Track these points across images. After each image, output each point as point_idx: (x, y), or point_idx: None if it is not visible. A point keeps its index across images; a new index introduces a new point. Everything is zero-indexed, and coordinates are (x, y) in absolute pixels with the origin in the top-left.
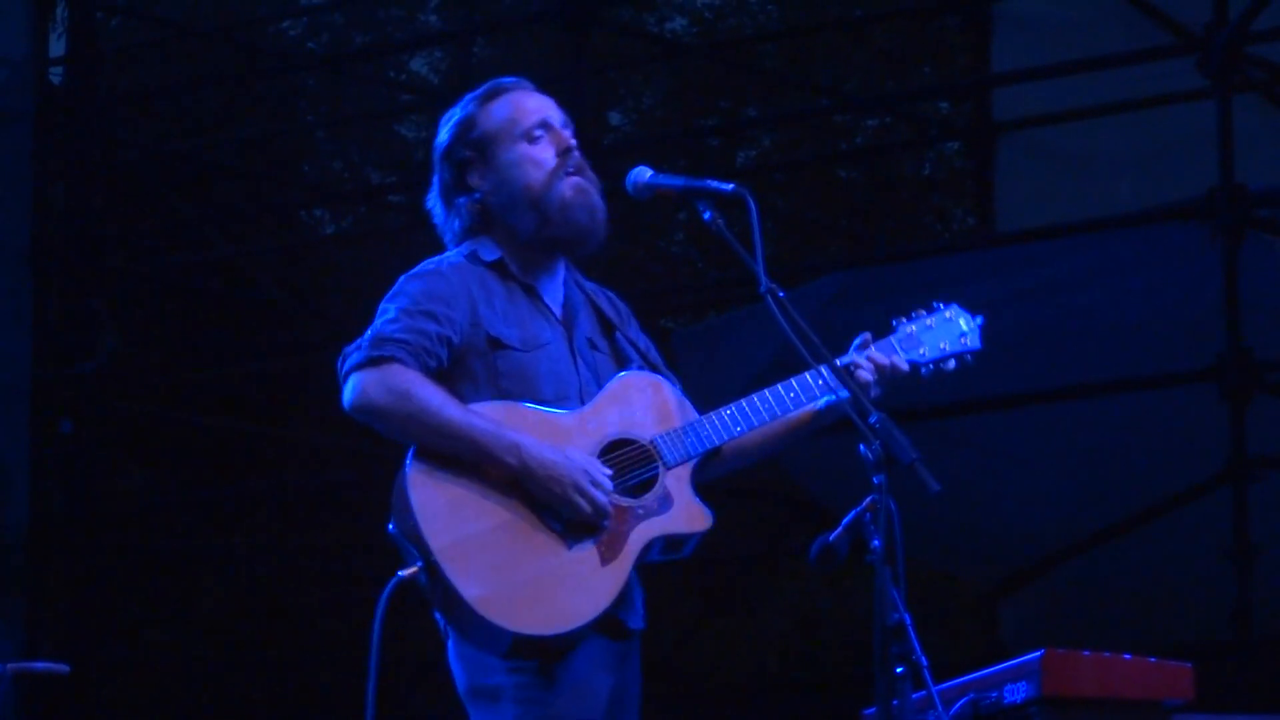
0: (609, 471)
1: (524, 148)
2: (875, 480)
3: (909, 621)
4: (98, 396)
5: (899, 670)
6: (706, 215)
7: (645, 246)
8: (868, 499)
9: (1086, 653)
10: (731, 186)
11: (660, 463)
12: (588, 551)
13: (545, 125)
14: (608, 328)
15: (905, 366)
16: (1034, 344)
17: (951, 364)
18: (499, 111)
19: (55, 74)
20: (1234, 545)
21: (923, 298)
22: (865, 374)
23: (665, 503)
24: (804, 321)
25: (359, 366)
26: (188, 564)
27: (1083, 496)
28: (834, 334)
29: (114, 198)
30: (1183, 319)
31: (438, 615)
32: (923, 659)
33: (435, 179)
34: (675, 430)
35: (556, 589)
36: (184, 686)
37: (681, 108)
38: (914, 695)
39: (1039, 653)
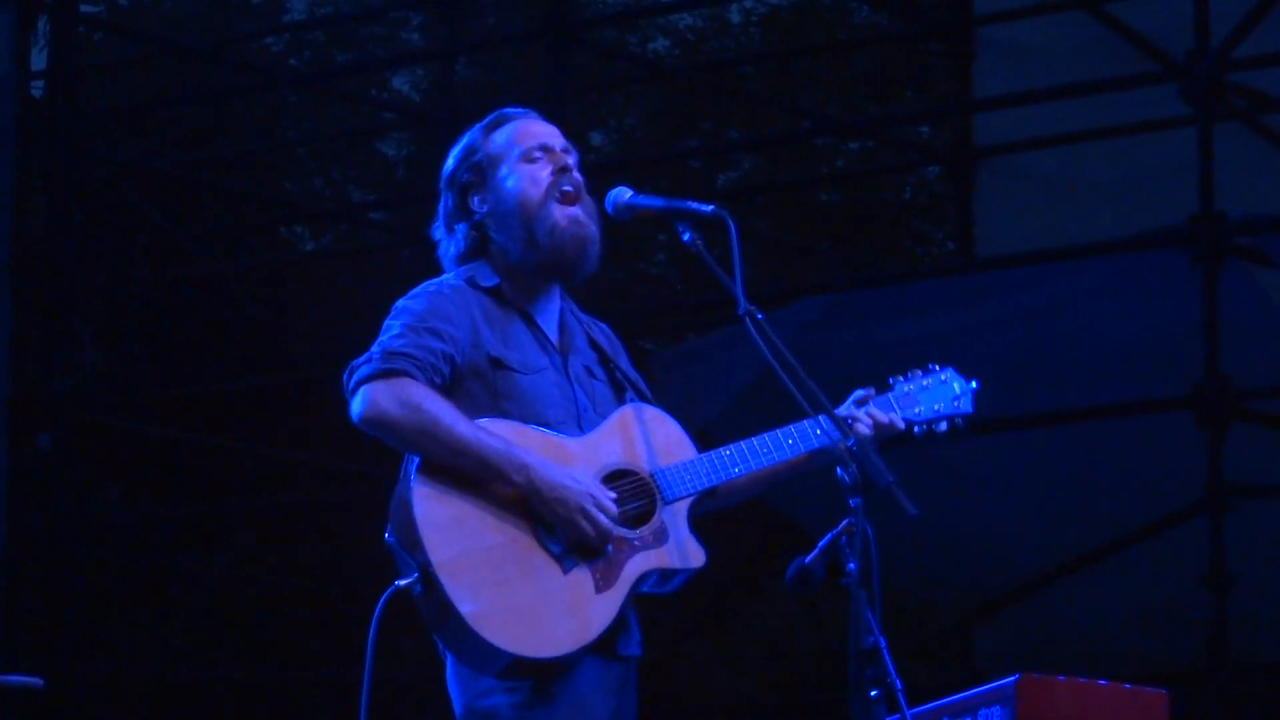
0: (614, 496)
1: (522, 166)
2: (852, 503)
3: (884, 645)
4: (76, 412)
5: (874, 694)
6: (686, 236)
7: (625, 267)
8: (844, 522)
9: (1062, 678)
10: (711, 208)
11: (658, 496)
12: (583, 578)
13: (545, 148)
14: (604, 357)
15: (901, 425)
16: (1012, 370)
17: (943, 425)
18: (501, 136)
19: (36, 88)
20: (1210, 572)
21: (902, 322)
22: (864, 428)
23: (661, 536)
24: (782, 344)
25: (369, 379)
26: (165, 580)
27: (1059, 522)
28: (812, 357)
29: (95, 213)
30: (1161, 346)
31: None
32: (898, 682)
33: (439, 207)
34: (675, 466)
35: (550, 613)
36: (160, 702)
37: (663, 129)
38: (889, 719)
39: (1014, 677)
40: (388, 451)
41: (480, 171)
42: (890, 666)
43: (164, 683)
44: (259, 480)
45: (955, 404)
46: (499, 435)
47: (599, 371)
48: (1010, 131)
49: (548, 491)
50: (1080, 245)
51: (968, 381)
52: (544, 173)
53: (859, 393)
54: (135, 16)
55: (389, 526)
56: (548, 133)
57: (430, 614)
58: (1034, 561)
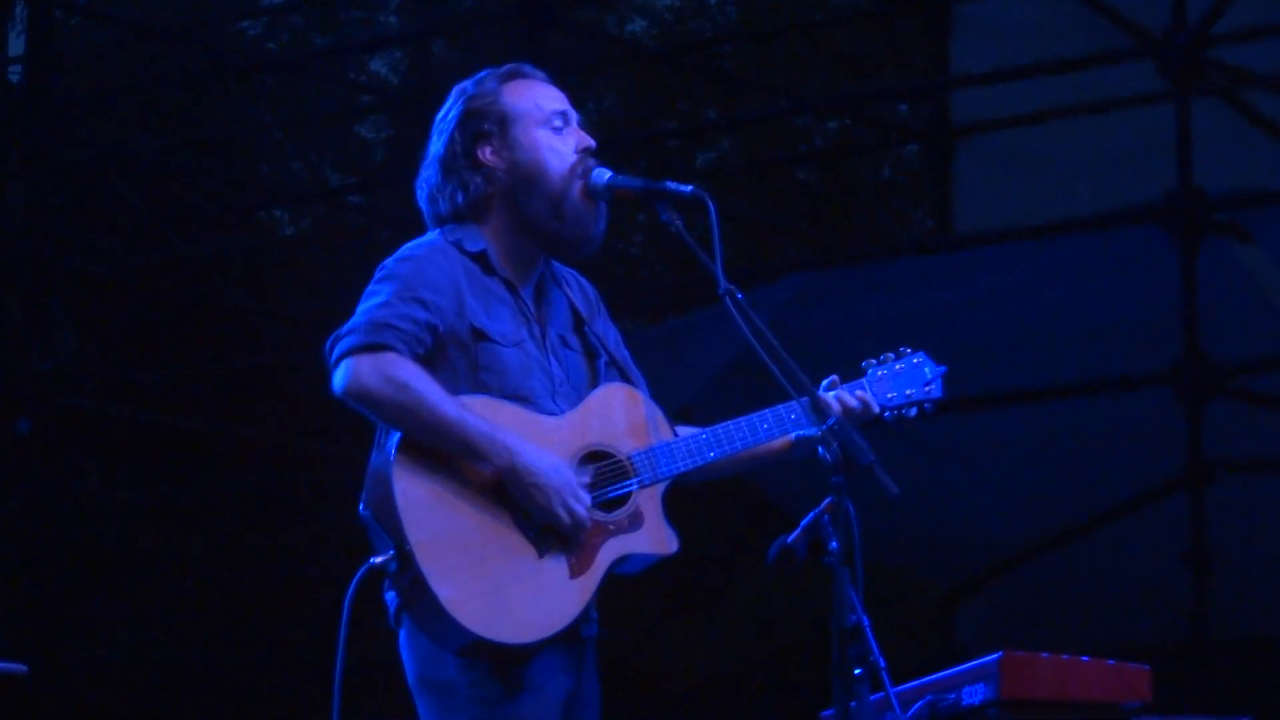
0: (589, 481)
1: (547, 133)
2: (833, 482)
3: (867, 623)
4: (55, 396)
5: (857, 672)
6: (664, 216)
7: (604, 248)
8: (826, 500)
9: (1044, 655)
10: (690, 188)
11: (635, 480)
12: (558, 563)
13: (565, 118)
14: (579, 322)
15: (876, 409)
16: (992, 346)
17: (914, 410)
18: (524, 91)
19: (14, 72)
20: (1191, 548)
21: (882, 300)
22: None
23: (636, 521)
24: (762, 323)
25: (355, 351)
26: (146, 564)
27: (1041, 499)
28: (792, 336)
29: (73, 197)
30: (1141, 322)
31: (390, 602)
32: (880, 661)
33: (440, 147)
34: (652, 449)
35: (525, 597)
36: (142, 686)
37: (641, 109)
38: (872, 697)
39: (997, 655)
40: (365, 434)
41: (499, 123)
42: (873, 645)
43: (144, 665)
44: (237, 463)
45: (927, 389)
46: (483, 416)
47: (573, 340)
48: (988, 109)
49: (527, 477)
50: (1059, 222)
51: (938, 365)
52: (568, 146)
53: (828, 380)
54: (112, 1)
55: (364, 499)
56: (565, 100)
57: (404, 592)
58: (1016, 539)
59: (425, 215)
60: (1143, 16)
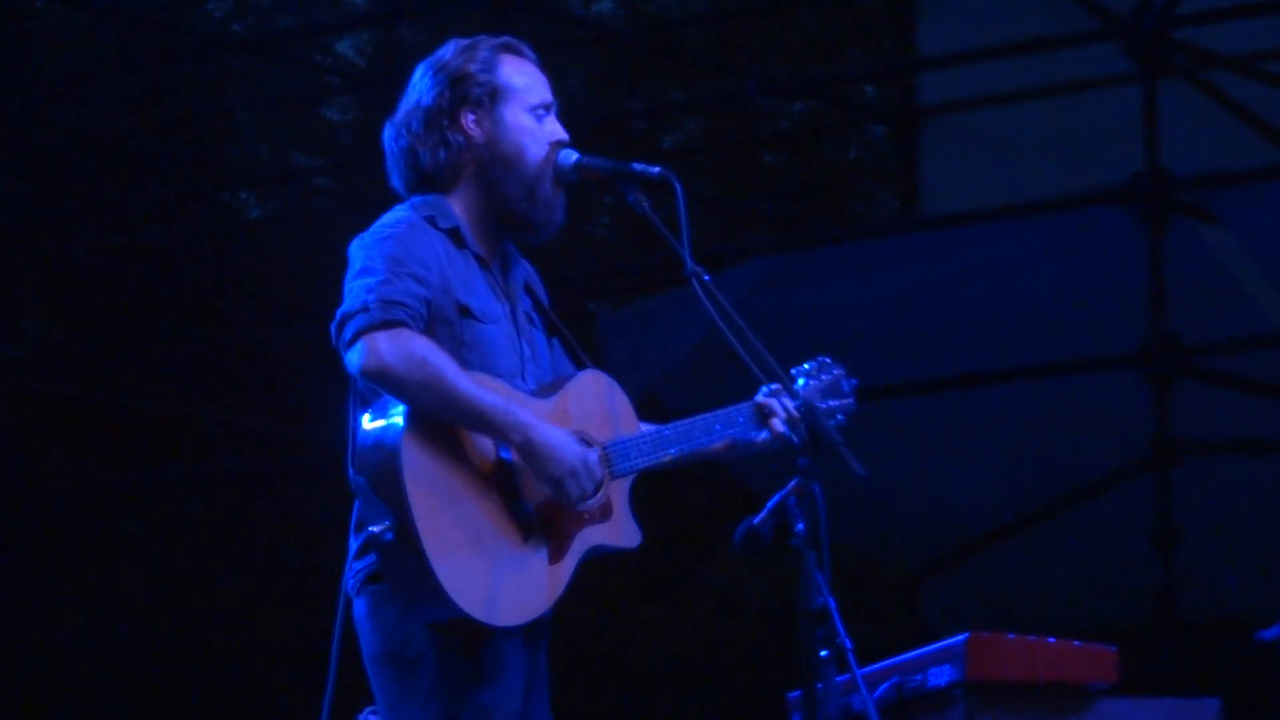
0: (595, 458)
1: (530, 119)
2: (800, 463)
3: (833, 605)
4: (21, 379)
5: (823, 654)
6: (631, 198)
7: (571, 229)
8: (792, 482)
9: (1011, 636)
10: (658, 169)
11: (610, 470)
12: (541, 550)
13: (549, 109)
14: (539, 303)
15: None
16: (958, 328)
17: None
18: (517, 70)
19: None
20: (1158, 529)
21: (849, 282)
22: (779, 425)
23: (607, 511)
24: (729, 304)
25: (371, 329)
26: (110, 548)
27: (1007, 480)
28: (759, 317)
29: (38, 180)
30: (1107, 303)
31: (357, 570)
32: (847, 642)
33: (428, 97)
34: (624, 440)
35: (511, 581)
36: (106, 670)
37: (606, 91)
38: (838, 678)
39: (963, 636)
40: (331, 417)
41: (490, 95)
42: (840, 626)
43: (110, 650)
44: (202, 446)
45: (846, 403)
46: (498, 392)
47: (537, 319)
48: (955, 90)
49: (544, 451)
50: (1026, 203)
51: (851, 379)
52: (545, 134)
53: (769, 387)
54: None
55: (358, 464)
56: (550, 91)
57: (395, 562)
58: (982, 519)
59: (395, 167)
60: None
